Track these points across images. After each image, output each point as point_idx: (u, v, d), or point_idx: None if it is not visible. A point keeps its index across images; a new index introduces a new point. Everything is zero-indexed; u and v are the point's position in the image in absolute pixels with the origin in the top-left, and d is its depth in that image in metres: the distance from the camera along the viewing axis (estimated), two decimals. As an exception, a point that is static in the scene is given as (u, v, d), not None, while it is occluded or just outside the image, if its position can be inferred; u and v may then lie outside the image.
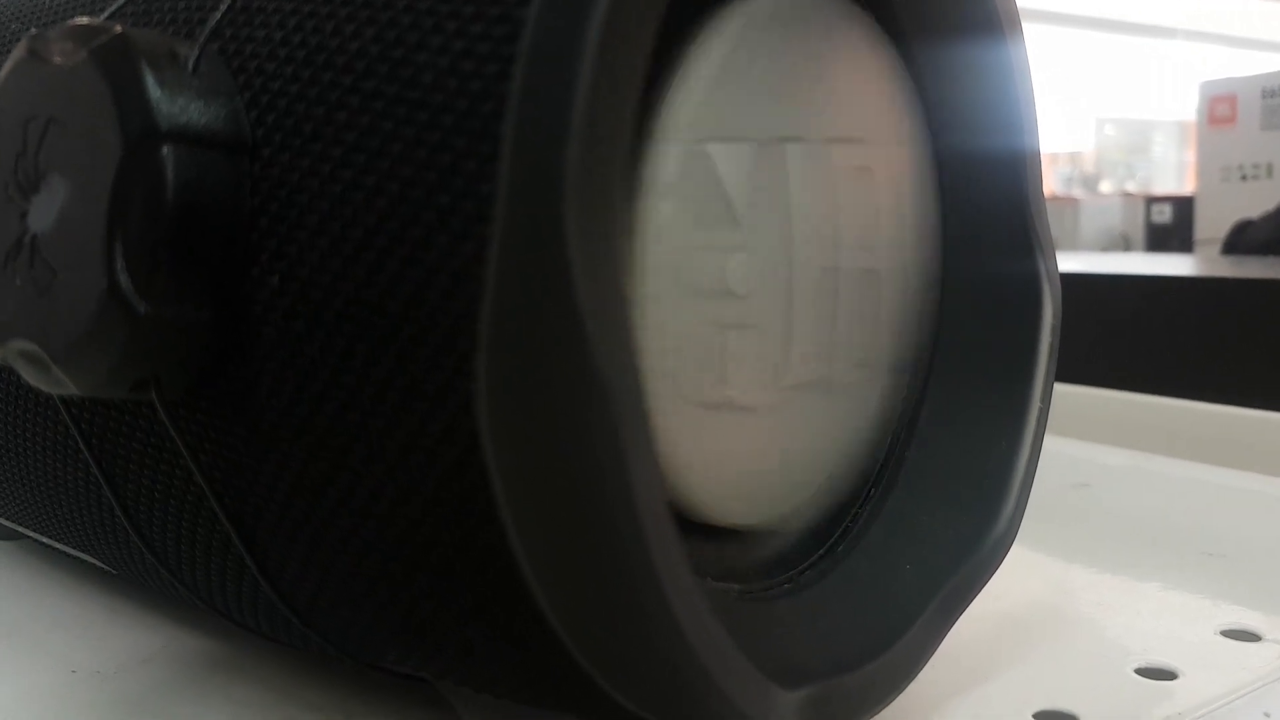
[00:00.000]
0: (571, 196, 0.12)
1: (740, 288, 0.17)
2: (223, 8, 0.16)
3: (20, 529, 0.26)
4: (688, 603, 0.13)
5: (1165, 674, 0.23)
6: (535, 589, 0.14)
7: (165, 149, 0.14)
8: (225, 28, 0.16)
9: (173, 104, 0.14)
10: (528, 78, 0.12)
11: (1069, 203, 1.03)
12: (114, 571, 0.24)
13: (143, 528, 0.19)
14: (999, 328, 0.23)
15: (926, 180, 0.22)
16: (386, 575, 0.16)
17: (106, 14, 0.18)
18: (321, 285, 0.14)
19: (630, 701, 0.15)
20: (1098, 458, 0.42)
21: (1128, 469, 0.40)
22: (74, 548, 0.24)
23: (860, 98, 0.20)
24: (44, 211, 0.15)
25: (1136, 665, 0.23)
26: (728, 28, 0.17)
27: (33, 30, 0.16)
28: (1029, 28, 0.23)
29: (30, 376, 0.16)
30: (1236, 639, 0.25)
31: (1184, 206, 0.93)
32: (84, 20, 0.16)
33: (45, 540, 0.26)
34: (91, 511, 0.21)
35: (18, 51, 0.16)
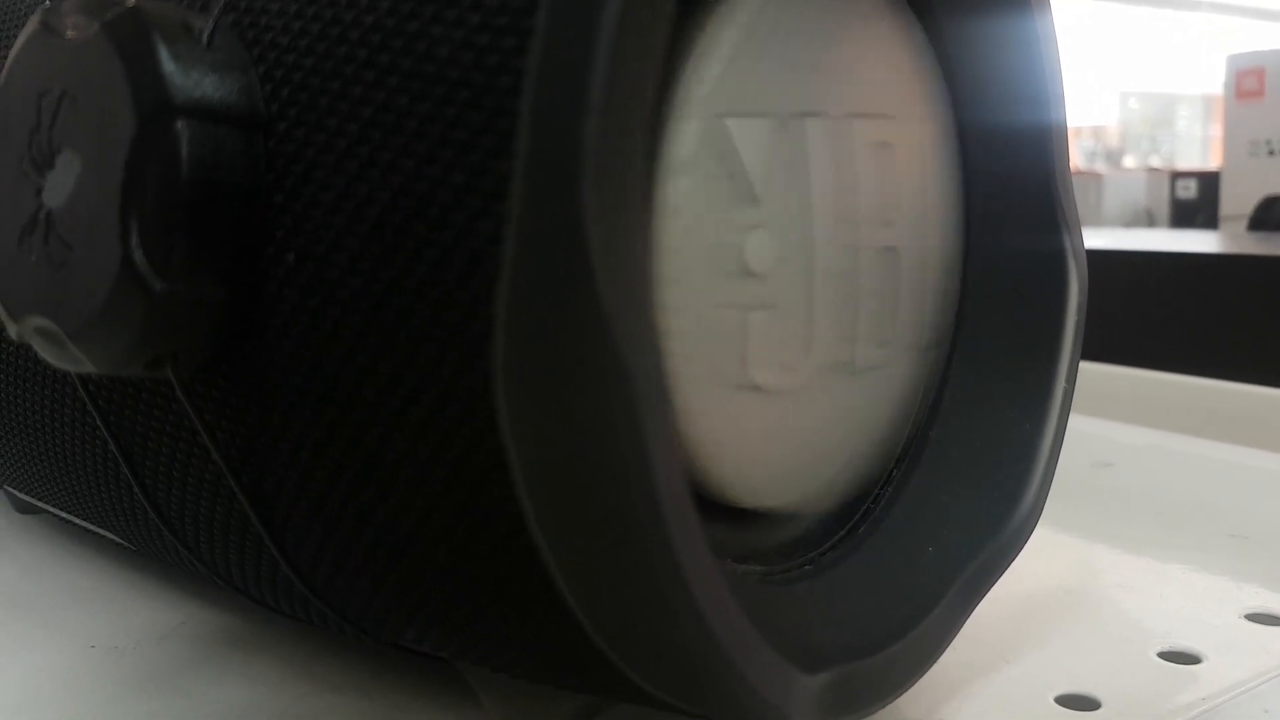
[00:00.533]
0: (590, 174, 0.12)
1: (760, 267, 0.17)
2: (237, -20, 0.16)
3: (38, 503, 0.27)
4: (708, 586, 0.13)
5: (1189, 658, 0.23)
6: (553, 571, 0.14)
7: (179, 124, 0.14)
8: (240, 0, 0.16)
9: (187, 78, 0.14)
10: (545, 52, 0.12)
11: (1093, 178, 1.02)
12: (132, 547, 0.24)
13: (160, 505, 0.19)
14: (1024, 306, 0.23)
15: (949, 156, 0.22)
16: (405, 554, 0.16)
17: (120, -13, 0.18)
18: (337, 263, 0.14)
19: (649, 684, 0.14)
20: (1120, 436, 0.41)
21: (1151, 448, 0.40)
22: (92, 523, 0.24)
23: (882, 72, 0.20)
24: (58, 187, 0.15)
25: (1159, 649, 0.23)
26: (746, 1, 0.17)
27: (47, 3, 0.16)
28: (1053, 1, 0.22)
29: (46, 354, 0.16)
30: (1261, 623, 0.24)
31: (1209, 182, 0.92)
32: (98, -7, 0.15)
33: (63, 515, 0.26)
34: (109, 488, 0.21)
35: (30, 24, 0.16)
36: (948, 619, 0.19)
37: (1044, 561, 0.27)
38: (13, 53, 0.16)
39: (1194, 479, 0.36)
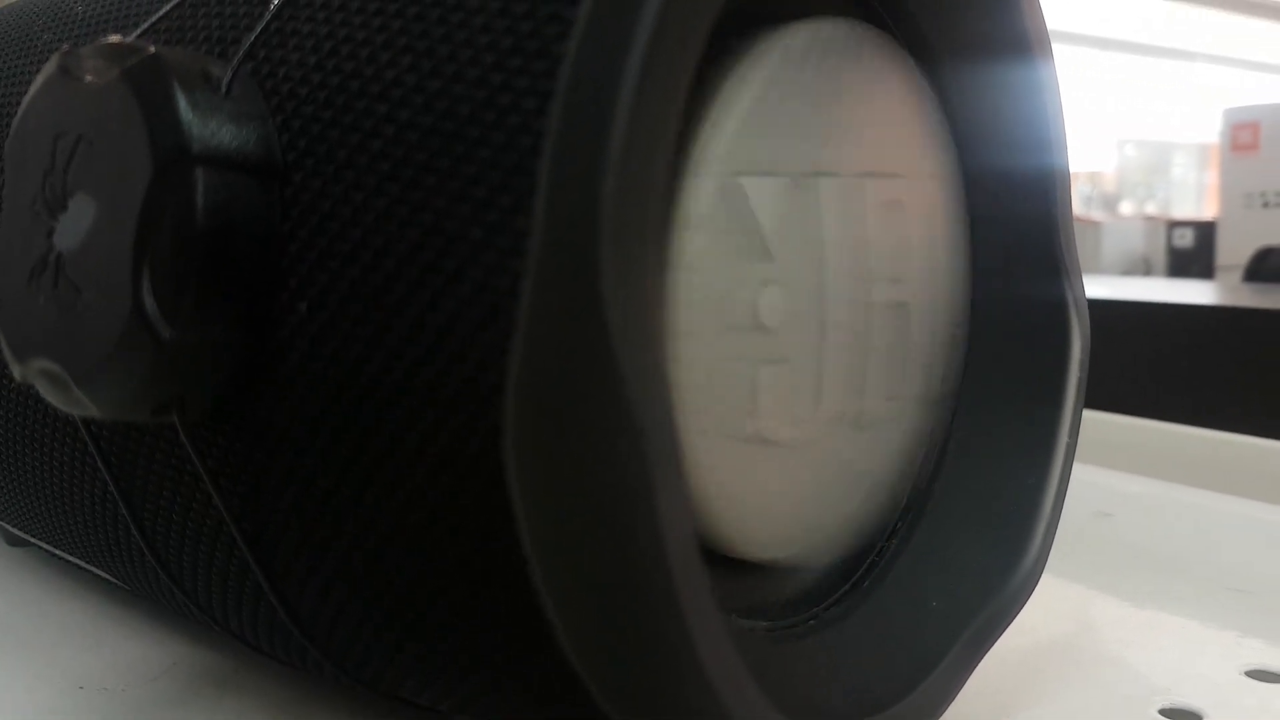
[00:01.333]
0: (607, 234, 0.12)
1: (772, 321, 0.17)
2: (257, 29, 0.16)
3: (30, 538, 0.26)
4: (715, 648, 0.13)
5: (1190, 715, 0.22)
6: (557, 627, 0.14)
7: (196, 171, 0.14)
8: (259, 49, 0.16)
9: (205, 126, 0.14)
10: (565, 115, 0.12)
11: (1091, 225, 1.03)
12: (125, 587, 0.24)
13: (158, 548, 0.19)
14: (1026, 358, 0.23)
15: (957, 209, 0.22)
16: (406, 607, 0.16)
17: (139, 31, 0.18)
18: (350, 314, 0.14)
19: (652, 743, 0.14)
20: (1119, 486, 0.41)
21: (1150, 498, 0.40)
22: (86, 561, 0.24)
23: (892, 131, 0.20)
24: (71, 230, 0.15)
25: (1161, 705, 0.23)
26: (762, 62, 0.17)
27: (65, 46, 0.16)
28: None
29: (51, 396, 0.16)
30: (1262, 680, 0.24)
31: (1205, 231, 0.93)
32: (117, 38, 0.16)
33: (55, 551, 0.26)
34: (106, 529, 0.20)
35: (49, 67, 0.16)
36: (952, 675, 0.19)
37: (1045, 613, 0.26)
38: (30, 94, 0.16)
39: (1193, 530, 0.36)
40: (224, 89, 0.15)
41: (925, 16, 0.21)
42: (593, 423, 0.12)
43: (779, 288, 0.17)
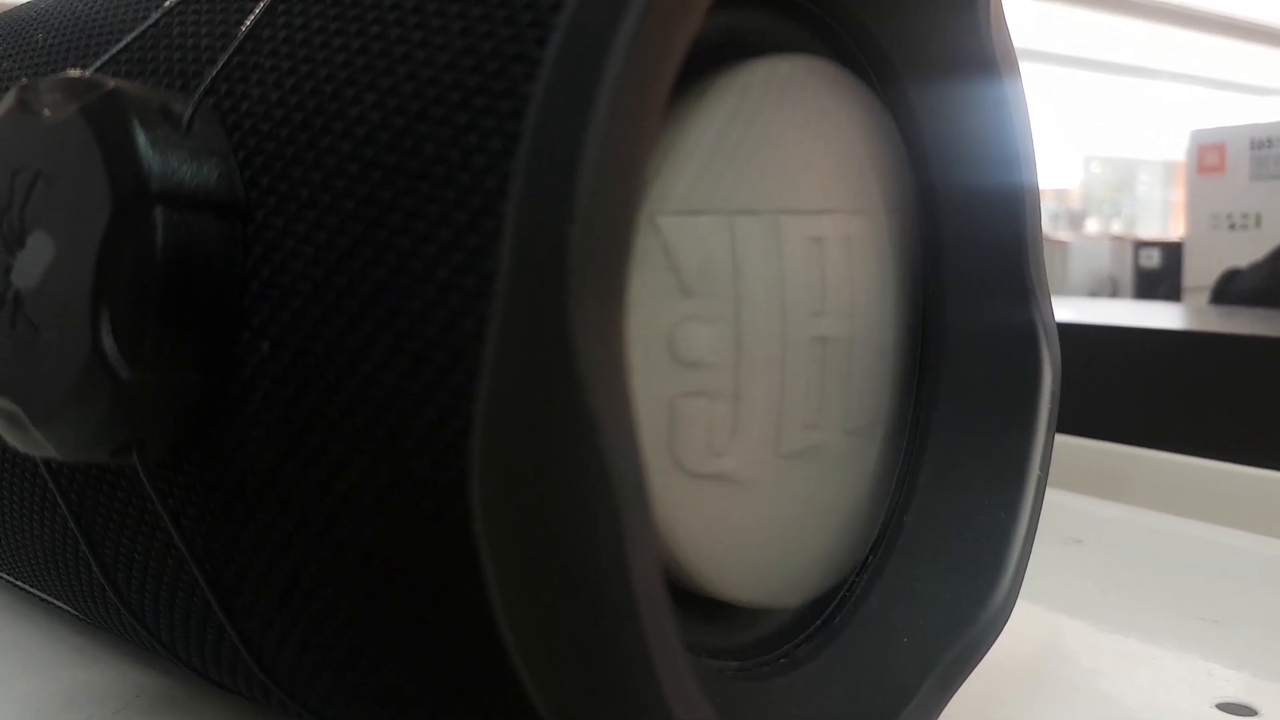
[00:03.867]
0: (576, 275, 0.12)
1: (711, 357, 0.17)
2: (219, 63, 0.16)
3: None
4: (678, 686, 0.13)
5: (1161, 749, 0.22)
6: (522, 672, 0.13)
7: (156, 210, 0.14)
8: (221, 84, 0.16)
9: (165, 164, 0.14)
10: (532, 155, 0.12)
11: (1058, 245, 1.04)
12: (86, 620, 0.23)
13: (120, 587, 0.19)
14: (996, 387, 0.23)
15: (904, 242, 0.22)
16: (369, 649, 0.15)
17: (99, 64, 0.18)
18: (313, 354, 0.14)
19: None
20: (1090, 510, 0.41)
21: (1120, 524, 0.40)
22: (47, 595, 0.24)
23: (843, 170, 0.20)
24: (29, 268, 0.15)
25: (1132, 738, 0.23)
26: (688, 105, 0.17)
27: (23, 79, 0.16)
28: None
29: (9, 436, 0.15)
30: (1232, 713, 0.24)
31: (1172, 252, 0.94)
32: (76, 73, 0.15)
33: (16, 582, 0.25)
34: (67, 565, 0.20)
35: (6, 101, 0.16)
36: (924, 711, 0.19)
37: (1016, 642, 0.26)
38: (-14, 127, 0.16)
39: (1164, 557, 0.36)
40: (185, 125, 0.15)
41: (889, 39, 0.21)
42: (562, 466, 0.12)
43: (715, 324, 0.17)
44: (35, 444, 0.15)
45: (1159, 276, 0.95)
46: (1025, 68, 0.23)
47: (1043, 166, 0.23)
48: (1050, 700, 0.24)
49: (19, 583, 0.25)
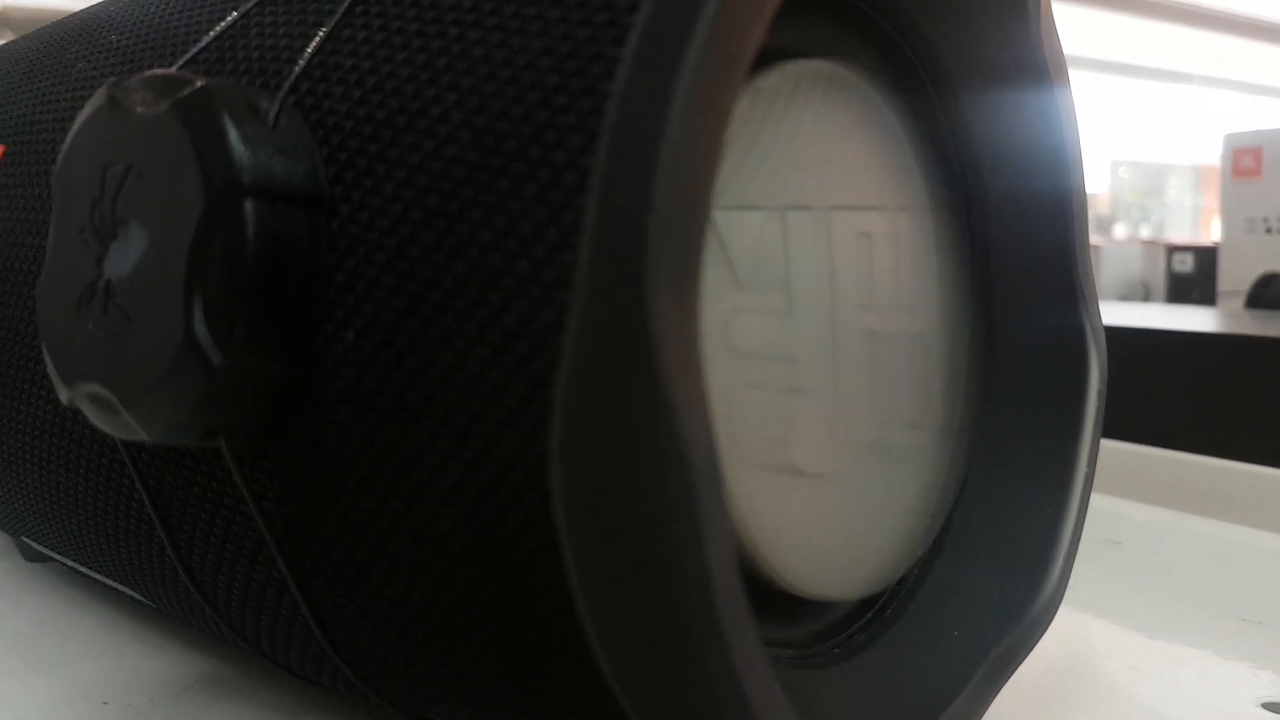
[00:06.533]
0: (655, 265, 0.12)
1: (771, 350, 0.17)
2: (300, 62, 0.16)
3: (51, 553, 0.26)
4: (758, 679, 0.13)
5: (1205, 746, 0.23)
6: (599, 655, 0.14)
7: (247, 203, 0.14)
8: (303, 82, 0.16)
9: (255, 158, 0.15)
10: (612, 151, 0.12)
11: (1090, 249, 1.03)
12: (151, 604, 0.24)
13: (194, 569, 0.19)
14: (1045, 388, 0.23)
15: (955, 240, 0.22)
16: (445, 630, 0.16)
17: (180, 62, 0.18)
18: (396, 343, 0.14)
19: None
20: (1128, 513, 0.42)
21: (1159, 526, 0.40)
22: (113, 579, 0.24)
23: (892, 168, 0.20)
24: (121, 258, 0.15)
25: (1177, 737, 0.23)
26: (763, 104, 0.17)
27: (112, 79, 0.16)
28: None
29: (98, 420, 0.16)
30: (1276, 712, 0.24)
31: (1206, 256, 0.93)
32: (164, 71, 0.16)
33: (77, 566, 0.26)
34: (140, 548, 0.21)
35: (97, 98, 0.16)
36: (972, 704, 0.20)
37: (1057, 641, 0.27)
38: (77, 124, 0.17)
39: (1203, 559, 0.36)
40: (272, 121, 0.15)
41: (944, 46, 0.21)
42: (641, 453, 0.13)
43: (791, 318, 0.17)
44: (126, 428, 0.16)
45: (1192, 281, 0.95)
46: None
47: (1081, 171, 0.23)
48: (1093, 699, 0.25)
49: (83, 568, 0.25)
